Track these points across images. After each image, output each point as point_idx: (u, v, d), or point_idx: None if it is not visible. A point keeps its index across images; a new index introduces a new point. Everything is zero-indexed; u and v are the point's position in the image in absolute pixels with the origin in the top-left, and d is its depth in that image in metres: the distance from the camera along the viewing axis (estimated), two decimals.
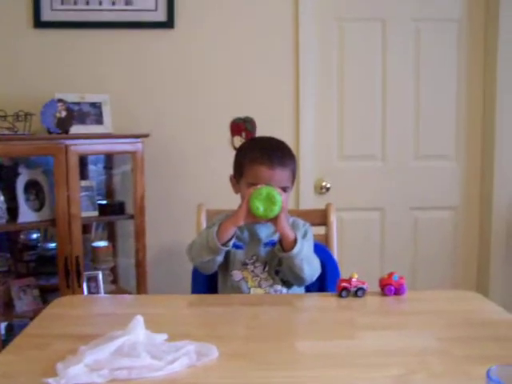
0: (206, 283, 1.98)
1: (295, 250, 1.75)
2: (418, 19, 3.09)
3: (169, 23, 2.94)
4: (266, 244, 1.89)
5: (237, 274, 1.87)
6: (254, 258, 1.88)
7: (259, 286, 1.86)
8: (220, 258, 1.82)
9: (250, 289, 1.85)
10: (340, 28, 3.08)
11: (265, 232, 1.90)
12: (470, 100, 3.16)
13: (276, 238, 1.85)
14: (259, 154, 1.81)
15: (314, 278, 1.85)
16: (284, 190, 1.80)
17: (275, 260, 1.86)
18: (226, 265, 1.88)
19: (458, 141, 3.18)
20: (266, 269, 1.87)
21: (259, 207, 1.71)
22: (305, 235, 1.88)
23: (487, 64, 3.11)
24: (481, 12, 3.11)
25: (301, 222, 1.94)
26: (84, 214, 2.66)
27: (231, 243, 1.79)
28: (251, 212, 1.72)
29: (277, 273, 1.88)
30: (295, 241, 1.76)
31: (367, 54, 3.11)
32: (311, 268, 1.80)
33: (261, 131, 2.98)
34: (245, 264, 1.87)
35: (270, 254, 1.87)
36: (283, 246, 1.78)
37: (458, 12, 3.11)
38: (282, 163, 1.82)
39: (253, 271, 1.87)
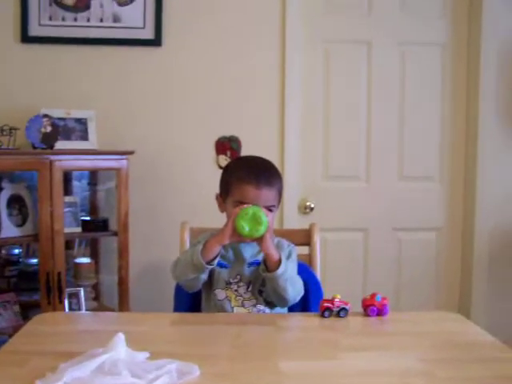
0: (189, 302, 1.97)
1: (279, 271, 1.74)
2: (403, 43, 3.14)
3: (156, 41, 2.95)
4: (251, 264, 1.88)
5: (220, 293, 1.86)
6: (238, 277, 1.87)
7: (242, 305, 1.85)
8: (204, 276, 1.81)
9: (233, 308, 1.84)
10: (326, 50, 3.11)
11: (249, 252, 1.90)
12: (453, 122, 3.20)
13: (260, 257, 1.85)
14: (246, 174, 1.81)
15: (297, 300, 1.84)
16: (270, 209, 1.80)
17: (259, 280, 1.86)
18: (210, 283, 1.87)
19: (441, 162, 3.21)
20: (250, 288, 1.86)
21: (245, 226, 1.70)
22: (289, 256, 1.87)
23: (470, 87, 3.15)
24: (464, 36, 3.16)
25: (285, 242, 1.93)
26: (67, 230, 2.63)
27: (216, 262, 1.78)
28: (237, 231, 1.72)
29: (260, 293, 1.87)
30: (279, 261, 1.75)
31: (353, 75, 3.14)
32: (294, 289, 1.80)
33: (246, 150, 2.99)
34: (228, 283, 1.86)
35: (254, 273, 1.87)
36: (267, 266, 1.77)
37: (442, 36, 3.16)
38: (269, 183, 1.82)
39: (236, 290, 1.86)
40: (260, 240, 1.74)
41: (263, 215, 1.71)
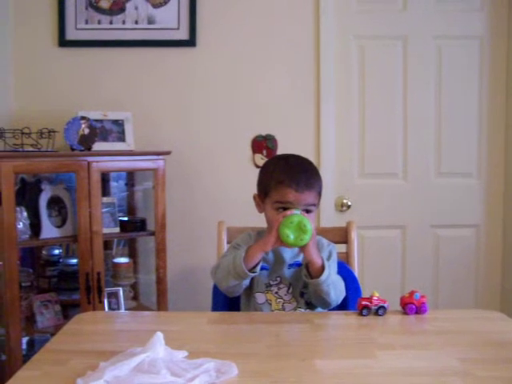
0: (227, 302, 1.95)
1: (323, 277, 1.71)
2: (440, 37, 3.09)
3: (191, 42, 2.97)
4: (291, 265, 1.86)
5: (260, 297, 1.85)
6: (278, 279, 1.85)
7: (283, 308, 1.83)
8: (246, 282, 1.79)
9: (273, 312, 1.83)
10: (361, 45, 3.08)
11: (289, 253, 1.87)
12: (492, 117, 3.14)
13: (300, 258, 1.83)
14: (286, 177, 1.76)
15: (340, 301, 1.81)
16: (310, 210, 1.78)
17: (300, 282, 1.83)
18: (250, 286, 1.85)
19: (479, 158, 3.16)
20: (290, 290, 1.85)
21: (289, 235, 1.66)
22: (330, 256, 1.85)
23: (509, 81, 3.10)
24: (503, 29, 3.10)
25: (325, 241, 1.91)
26: (105, 231, 2.67)
27: (258, 268, 1.75)
28: (281, 239, 1.68)
29: (302, 294, 1.85)
30: (323, 267, 1.72)
31: (388, 71, 3.11)
32: (337, 292, 1.77)
33: (282, 149, 2.99)
34: (269, 285, 1.85)
35: (295, 275, 1.85)
36: (310, 272, 1.74)
37: (479, 29, 3.10)
38: (309, 185, 1.77)
39: (277, 293, 1.84)
40: (303, 247, 1.71)
41: (308, 223, 1.66)
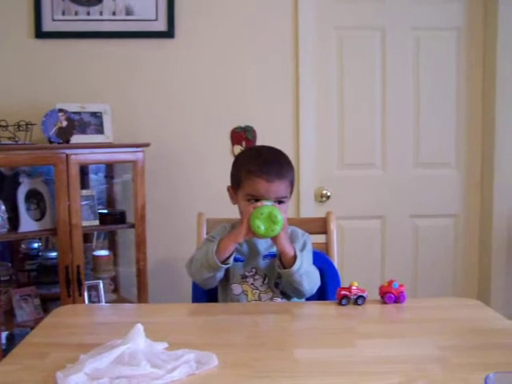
0: (207, 294, 1.96)
1: (295, 267, 1.72)
2: (418, 28, 3.11)
3: (169, 33, 2.95)
4: (265, 256, 1.87)
5: (236, 288, 1.85)
6: (254, 270, 1.86)
7: (259, 298, 1.84)
8: (220, 274, 1.80)
9: (249, 302, 1.84)
10: (339, 37, 3.09)
11: (263, 244, 1.88)
12: (469, 108, 3.17)
13: (275, 249, 1.84)
14: (256, 168, 1.77)
15: (314, 291, 1.83)
16: (282, 201, 1.79)
17: (275, 272, 1.84)
18: (226, 278, 1.86)
19: (458, 148, 3.19)
20: (266, 281, 1.85)
21: (260, 226, 1.68)
22: (304, 246, 1.86)
23: (486, 72, 3.12)
24: (480, 20, 3.12)
25: (300, 231, 1.92)
26: (85, 223, 2.66)
27: (231, 260, 1.76)
28: (252, 230, 1.70)
29: (276, 285, 1.86)
30: (295, 257, 1.73)
31: (367, 62, 3.12)
32: (310, 282, 1.79)
33: (261, 140, 2.99)
34: (244, 277, 1.85)
35: (270, 266, 1.85)
36: (283, 262, 1.75)
37: (457, 21, 3.12)
38: (280, 175, 1.78)
39: (252, 284, 1.85)
40: (275, 238, 1.72)
41: (279, 214, 1.68)
